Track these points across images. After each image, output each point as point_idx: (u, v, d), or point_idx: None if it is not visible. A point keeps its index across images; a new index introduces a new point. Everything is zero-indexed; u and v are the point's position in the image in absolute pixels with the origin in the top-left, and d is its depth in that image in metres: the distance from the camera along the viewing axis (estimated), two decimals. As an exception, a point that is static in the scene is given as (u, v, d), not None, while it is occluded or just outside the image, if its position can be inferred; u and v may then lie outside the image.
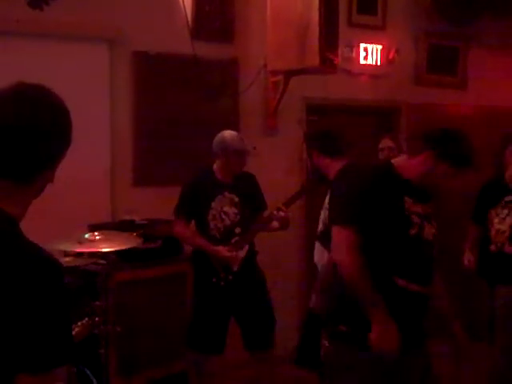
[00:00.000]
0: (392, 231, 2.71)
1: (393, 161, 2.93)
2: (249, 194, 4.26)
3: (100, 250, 3.70)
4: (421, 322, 2.84)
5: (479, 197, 4.53)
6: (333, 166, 3.64)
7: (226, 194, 4.19)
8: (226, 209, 4.16)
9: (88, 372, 4.02)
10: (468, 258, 4.54)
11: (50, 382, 1.34)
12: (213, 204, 4.15)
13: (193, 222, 4.26)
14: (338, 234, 2.71)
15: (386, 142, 4.84)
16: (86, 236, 3.79)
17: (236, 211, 4.18)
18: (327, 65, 4.81)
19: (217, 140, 4.19)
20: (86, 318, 3.65)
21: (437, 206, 2.98)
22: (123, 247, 3.79)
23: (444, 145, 2.76)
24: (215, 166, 4.25)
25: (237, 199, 4.19)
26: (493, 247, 4.30)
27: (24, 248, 1.38)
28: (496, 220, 4.29)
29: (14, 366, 1.30)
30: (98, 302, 3.73)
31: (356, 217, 2.67)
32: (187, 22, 5.02)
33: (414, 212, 2.73)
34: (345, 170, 3.18)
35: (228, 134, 4.20)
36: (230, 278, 4.13)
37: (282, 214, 4.09)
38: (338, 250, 2.73)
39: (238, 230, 4.18)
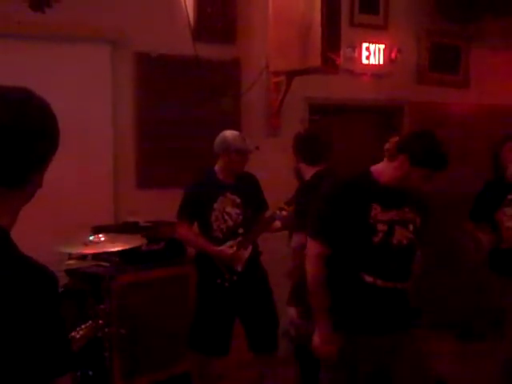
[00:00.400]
0: (356, 239, 2.91)
1: (373, 167, 3.02)
2: (250, 194, 4.26)
3: (106, 250, 3.70)
4: (393, 312, 3.00)
5: (480, 196, 4.52)
6: (307, 171, 3.94)
7: (228, 194, 4.18)
8: (228, 209, 4.16)
9: (92, 375, 4.03)
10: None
11: None
12: (215, 205, 4.14)
13: (195, 224, 4.25)
14: (309, 245, 2.99)
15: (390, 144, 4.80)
16: (91, 238, 3.79)
17: (238, 212, 4.17)
18: (329, 65, 4.80)
19: (218, 140, 4.18)
20: (90, 321, 3.64)
21: (426, 209, 3.09)
22: (128, 246, 3.79)
23: (415, 148, 2.83)
24: (217, 167, 4.24)
25: (239, 200, 4.19)
26: (504, 245, 4.29)
27: (18, 260, 1.35)
28: (505, 218, 4.28)
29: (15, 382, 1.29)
30: (101, 305, 3.73)
31: (324, 229, 2.93)
32: (189, 22, 5.01)
33: (381, 220, 2.87)
34: (321, 178, 3.58)
35: (229, 133, 4.19)
36: (235, 278, 4.12)
37: (284, 213, 4.09)
38: (307, 260, 3.00)
39: (240, 231, 4.18)
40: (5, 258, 1.33)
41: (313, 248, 2.96)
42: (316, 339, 3.01)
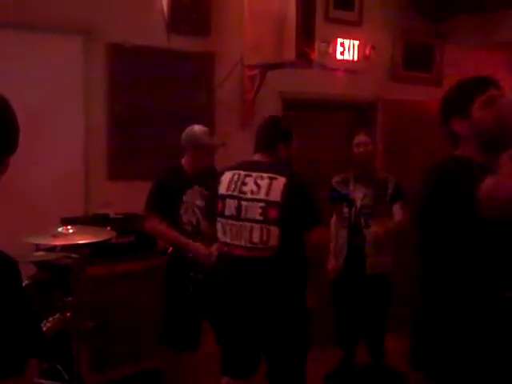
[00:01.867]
0: None
1: None
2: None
3: (74, 242, 3.66)
4: None
5: None
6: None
7: (196, 187, 4.17)
8: (198, 202, 4.15)
9: (60, 368, 3.98)
10: None
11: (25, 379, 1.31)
12: (184, 197, 4.12)
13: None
14: None
15: (360, 137, 4.83)
16: (60, 229, 3.74)
17: None
18: (303, 59, 4.79)
19: (186, 134, 4.18)
20: (58, 314, 3.61)
21: None
22: (97, 239, 3.75)
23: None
24: (183, 160, 4.23)
25: (206, 192, 4.17)
26: None
27: None
28: None
29: None
30: (70, 298, 3.69)
31: None
32: (163, 14, 4.98)
33: None
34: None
35: (197, 128, 4.18)
36: (208, 270, 4.10)
37: None
38: None
39: None
40: None
41: None
42: None
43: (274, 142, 3.48)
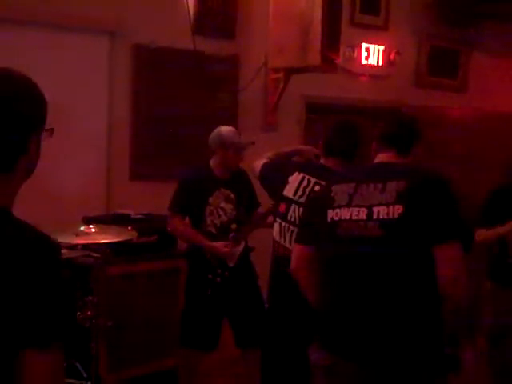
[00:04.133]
0: None
1: None
2: (243, 190, 4.25)
3: (96, 241, 3.68)
4: None
5: (490, 203, 4.22)
6: None
7: (223, 189, 4.16)
8: (222, 205, 4.14)
9: (78, 366, 4.01)
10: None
11: (52, 356, 1.33)
12: (210, 199, 4.12)
13: (187, 218, 4.23)
14: None
15: None
16: (82, 228, 3.76)
17: (232, 207, 4.16)
18: (328, 64, 4.78)
19: (213, 135, 4.16)
20: (78, 312, 3.62)
21: None
22: (119, 239, 3.77)
23: None
24: (212, 162, 4.22)
25: (232, 195, 4.17)
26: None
27: (20, 228, 1.37)
28: None
29: (17, 343, 1.28)
30: (90, 296, 3.71)
31: None
32: (189, 16, 4.99)
33: None
34: None
35: (225, 129, 4.17)
36: (227, 274, 4.10)
37: None
38: None
39: (233, 226, 4.16)
40: (8, 229, 1.35)
41: None
42: None
43: (352, 156, 3.25)
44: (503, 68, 6.65)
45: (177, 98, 5.07)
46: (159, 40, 4.93)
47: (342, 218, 2.47)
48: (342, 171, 3.10)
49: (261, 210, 4.31)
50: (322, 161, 3.39)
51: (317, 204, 2.69)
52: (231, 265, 4.10)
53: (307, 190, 3.27)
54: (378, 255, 2.37)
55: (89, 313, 3.66)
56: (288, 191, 3.35)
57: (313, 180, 3.29)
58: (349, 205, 2.47)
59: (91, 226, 3.78)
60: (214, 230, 4.12)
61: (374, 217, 2.38)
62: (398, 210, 2.34)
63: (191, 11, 5.02)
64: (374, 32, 6.04)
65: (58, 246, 1.42)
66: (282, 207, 3.35)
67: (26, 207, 4.07)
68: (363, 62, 6.00)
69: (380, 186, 2.43)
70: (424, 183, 2.44)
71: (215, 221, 4.12)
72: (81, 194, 4.53)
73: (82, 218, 4.27)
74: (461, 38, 6.52)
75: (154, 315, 4.40)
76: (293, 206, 3.30)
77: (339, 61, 4.95)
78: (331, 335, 2.53)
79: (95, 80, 4.71)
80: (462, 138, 6.32)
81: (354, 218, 2.44)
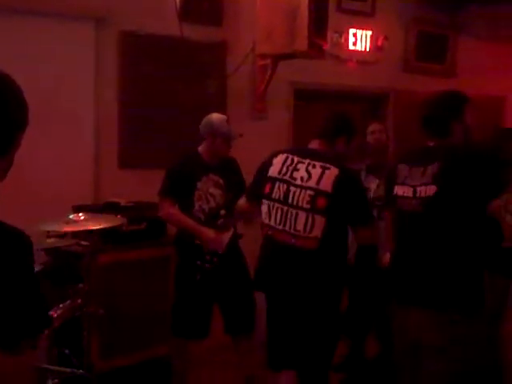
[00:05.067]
0: None
1: None
2: (232, 177, 4.26)
3: (86, 228, 3.67)
4: None
5: None
6: None
7: (211, 175, 4.17)
8: (211, 190, 4.15)
9: (69, 354, 4.01)
10: None
11: (24, 354, 1.32)
12: (199, 184, 4.12)
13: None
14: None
15: (375, 126, 4.82)
16: (71, 216, 3.76)
17: (221, 193, 4.17)
18: (315, 50, 4.78)
19: (204, 122, 4.18)
20: (69, 301, 3.63)
21: None
22: (109, 225, 3.77)
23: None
24: (201, 148, 4.23)
25: (222, 181, 4.18)
26: (507, 243, 4.20)
27: None
28: (509, 217, 4.15)
29: None
30: (80, 284, 3.71)
31: None
32: (176, 3, 4.96)
33: None
34: None
35: (216, 117, 4.18)
36: (215, 260, 4.11)
37: None
38: None
39: (222, 212, 4.17)
40: None
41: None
42: None
43: (337, 134, 3.45)
44: (491, 52, 6.66)
45: (164, 85, 5.05)
46: (146, 27, 4.90)
47: (399, 194, 3.05)
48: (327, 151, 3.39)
49: None
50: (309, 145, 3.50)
51: (389, 178, 3.24)
52: (220, 251, 4.11)
53: (290, 168, 3.34)
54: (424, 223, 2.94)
55: (79, 301, 3.66)
56: (272, 171, 3.41)
57: (296, 159, 3.37)
58: (403, 183, 3.04)
59: (80, 214, 3.78)
60: (202, 216, 4.13)
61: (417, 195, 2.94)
62: (432, 189, 2.88)
63: (178, -3, 4.99)
64: (361, 17, 6.04)
65: (30, 243, 1.41)
66: (267, 187, 3.40)
67: (16, 196, 4.08)
68: (351, 47, 6.00)
69: (422, 169, 2.96)
70: (455, 163, 2.91)
71: (203, 206, 4.13)
72: (69, 182, 4.51)
73: (72, 207, 4.26)
74: (448, 23, 6.52)
75: (145, 303, 4.41)
76: (277, 184, 3.35)
77: (327, 47, 4.95)
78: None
79: (82, 67, 4.68)
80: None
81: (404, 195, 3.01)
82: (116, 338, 4.27)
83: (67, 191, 4.47)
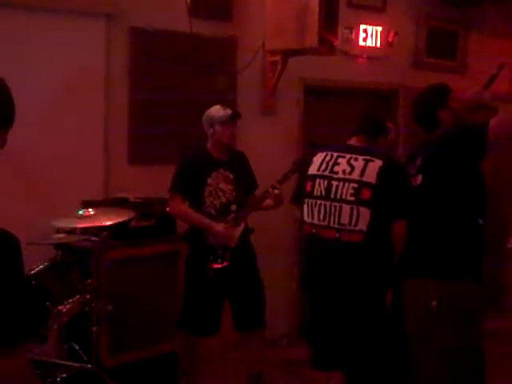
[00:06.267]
0: None
1: None
2: (242, 171, 4.27)
3: (96, 224, 3.68)
4: None
5: None
6: None
7: (221, 170, 4.18)
8: (221, 186, 4.15)
9: (78, 349, 4.03)
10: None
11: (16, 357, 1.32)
12: (209, 180, 4.13)
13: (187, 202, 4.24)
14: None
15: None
16: (80, 212, 3.77)
17: (231, 188, 4.17)
18: (326, 46, 4.76)
19: (204, 118, 4.23)
20: (78, 296, 3.64)
21: None
22: (118, 220, 3.77)
23: None
24: (208, 144, 4.25)
25: (231, 176, 4.19)
26: None
27: None
28: None
29: None
30: (89, 280, 3.71)
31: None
32: (185, -2, 4.96)
33: None
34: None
35: (212, 108, 4.23)
36: (228, 255, 4.11)
37: (276, 191, 4.10)
38: None
39: (233, 208, 4.17)
40: None
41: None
42: None
43: (378, 132, 3.48)
44: (502, 49, 6.60)
45: (174, 81, 5.05)
46: (156, 23, 4.90)
47: None
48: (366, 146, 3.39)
49: (257, 192, 4.32)
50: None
51: None
52: (232, 246, 4.11)
53: (330, 163, 3.31)
54: None
55: (88, 296, 3.67)
56: (312, 169, 3.38)
57: (336, 154, 3.34)
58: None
59: (90, 209, 3.78)
60: (213, 211, 4.13)
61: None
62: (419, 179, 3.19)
63: (188, -7, 4.98)
64: (371, 13, 6.01)
65: (17, 243, 1.41)
66: (308, 186, 3.37)
67: (26, 191, 4.09)
68: (361, 43, 5.97)
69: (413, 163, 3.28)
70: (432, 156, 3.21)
71: (214, 202, 4.13)
72: (79, 178, 4.51)
73: (81, 203, 4.27)
74: (459, 19, 6.48)
75: (154, 299, 4.41)
76: (317, 181, 3.32)
77: (337, 43, 4.93)
78: None
79: (92, 63, 4.68)
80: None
81: None
82: (125, 333, 4.28)
83: (77, 186, 4.47)
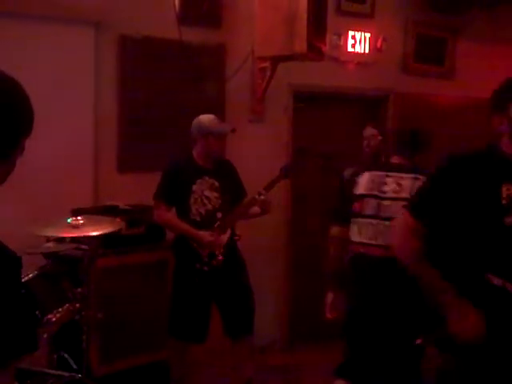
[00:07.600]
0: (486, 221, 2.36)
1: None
2: (228, 179, 4.27)
3: (85, 234, 3.66)
4: None
5: None
6: None
7: (207, 178, 4.18)
8: (207, 193, 4.15)
9: (68, 358, 4.00)
10: None
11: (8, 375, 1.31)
12: (194, 187, 4.13)
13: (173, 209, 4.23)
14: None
15: (369, 131, 4.89)
16: (69, 221, 3.74)
17: (217, 195, 4.17)
18: (315, 52, 4.78)
19: (194, 124, 4.21)
20: (67, 304, 3.61)
21: None
22: (108, 230, 3.75)
23: None
24: (194, 152, 4.24)
25: (217, 184, 4.19)
26: None
27: None
28: None
29: None
30: (79, 288, 3.69)
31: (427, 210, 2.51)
32: (174, 6, 4.96)
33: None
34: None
35: (205, 117, 4.21)
36: (214, 263, 4.11)
37: (262, 197, 4.11)
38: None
39: (219, 215, 4.17)
40: None
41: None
42: (453, 326, 2.32)
43: (419, 149, 3.53)
44: (490, 55, 6.64)
45: (163, 88, 5.04)
46: (145, 30, 4.90)
47: None
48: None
49: (246, 199, 4.32)
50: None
51: None
52: (218, 254, 4.11)
53: (377, 182, 3.38)
54: None
55: (78, 305, 3.65)
56: (359, 189, 3.43)
57: (381, 173, 3.42)
58: None
59: (79, 218, 3.76)
60: (198, 219, 4.13)
61: None
62: None
63: (176, 0, 4.98)
64: (360, 19, 6.02)
65: (20, 265, 1.40)
66: (356, 206, 3.41)
67: (15, 199, 4.06)
68: (350, 49, 5.99)
69: None
70: None
71: (200, 209, 4.13)
72: (68, 186, 4.50)
73: (71, 210, 4.25)
74: (447, 25, 6.51)
75: (144, 307, 4.40)
76: (366, 200, 3.38)
77: (326, 49, 4.94)
78: None
79: (81, 71, 4.67)
80: (450, 125, 6.31)
81: None
82: (115, 341, 4.26)
83: (66, 194, 4.46)
